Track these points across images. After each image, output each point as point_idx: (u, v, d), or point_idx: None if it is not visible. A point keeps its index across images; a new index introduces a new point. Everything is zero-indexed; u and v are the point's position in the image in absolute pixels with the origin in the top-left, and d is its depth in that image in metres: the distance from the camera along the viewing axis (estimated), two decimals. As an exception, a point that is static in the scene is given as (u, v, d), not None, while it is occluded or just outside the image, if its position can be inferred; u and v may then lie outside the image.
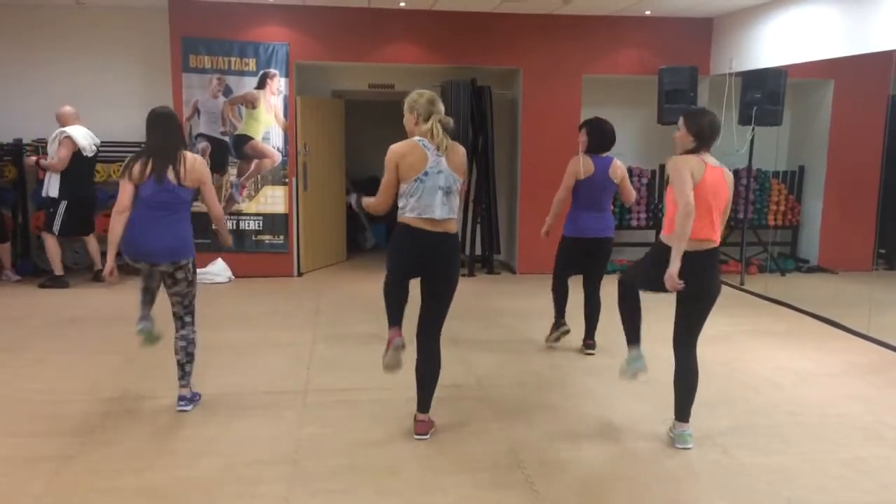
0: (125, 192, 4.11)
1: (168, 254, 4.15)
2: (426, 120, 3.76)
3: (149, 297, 4.35)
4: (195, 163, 4.19)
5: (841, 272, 8.87)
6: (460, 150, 3.85)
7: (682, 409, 3.97)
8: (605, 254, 5.49)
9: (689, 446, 3.91)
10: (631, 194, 5.43)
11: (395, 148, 3.78)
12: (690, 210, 3.68)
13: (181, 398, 4.33)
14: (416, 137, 3.79)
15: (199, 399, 4.43)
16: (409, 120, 3.85)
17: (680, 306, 3.96)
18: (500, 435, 4.09)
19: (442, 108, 3.83)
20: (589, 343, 5.54)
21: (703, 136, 3.92)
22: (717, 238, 3.88)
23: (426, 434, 3.99)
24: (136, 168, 4.11)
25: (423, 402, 4.01)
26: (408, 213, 3.77)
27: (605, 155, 5.35)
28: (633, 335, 4.20)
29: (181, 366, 4.33)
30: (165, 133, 4.21)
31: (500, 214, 9.10)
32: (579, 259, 5.46)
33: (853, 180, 8.91)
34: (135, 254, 4.17)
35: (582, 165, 5.28)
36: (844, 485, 3.56)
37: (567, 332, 5.59)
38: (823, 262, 9.12)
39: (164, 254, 4.14)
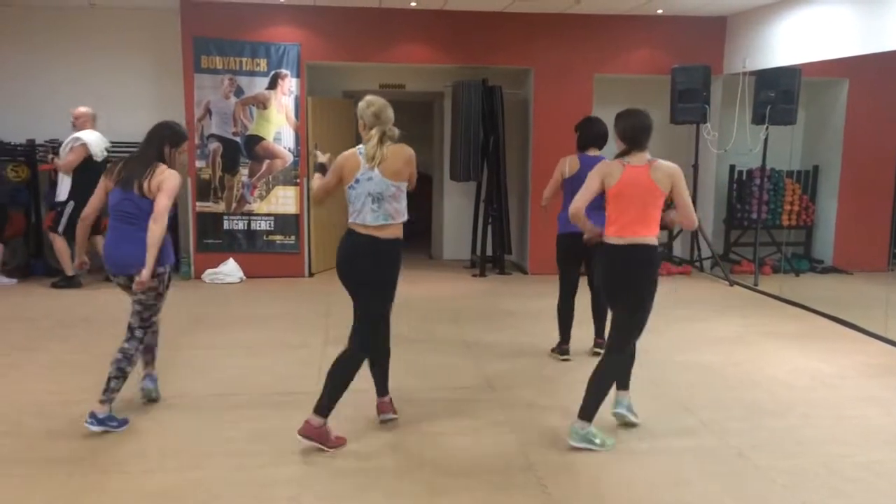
0: (98, 191, 4.14)
1: (123, 265, 4.04)
2: (370, 129, 3.83)
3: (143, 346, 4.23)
4: (163, 174, 4.00)
5: (856, 273, 8.80)
6: (402, 155, 3.84)
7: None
8: (585, 254, 5.45)
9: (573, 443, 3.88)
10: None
11: (343, 154, 3.92)
12: (574, 210, 4.03)
13: (91, 414, 3.93)
14: (360, 146, 3.87)
15: (116, 426, 3.99)
16: (359, 126, 3.92)
17: (611, 307, 4.07)
18: (512, 437, 4.06)
19: (389, 117, 3.85)
20: (599, 342, 5.44)
21: (627, 139, 3.96)
22: (643, 234, 3.88)
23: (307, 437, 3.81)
24: (114, 171, 4.10)
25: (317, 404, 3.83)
26: (349, 217, 3.91)
27: (596, 154, 5.27)
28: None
29: (108, 379, 3.97)
30: (147, 144, 4.13)
31: (511, 215, 9.08)
32: (574, 257, 5.40)
33: (868, 180, 8.83)
34: (105, 265, 4.15)
35: (568, 165, 5.30)
36: (861, 488, 3.51)
37: (567, 360, 5.43)
38: (838, 262, 9.05)
39: (119, 264, 4.06)
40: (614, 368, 3.99)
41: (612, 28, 8.53)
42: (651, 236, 3.89)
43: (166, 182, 4.00)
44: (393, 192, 3.81)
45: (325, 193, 4.03)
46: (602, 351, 5.35)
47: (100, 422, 3.95)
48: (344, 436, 3.92)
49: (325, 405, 3.81)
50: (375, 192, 3.80)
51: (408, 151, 3.88)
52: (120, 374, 4.01)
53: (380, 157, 3.80)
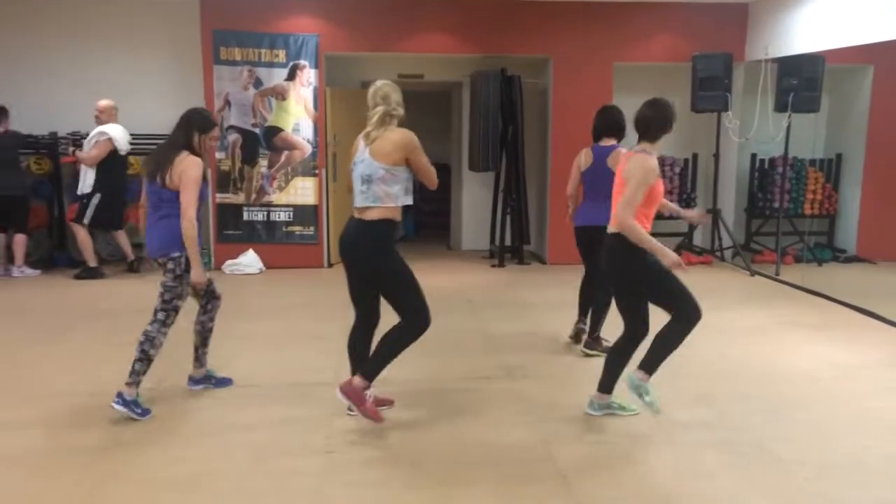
0: (143, 185, 4.26)
1: (151, 250, 4.22)
2: (373, 109, 3.86)
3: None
4: (182, 164, 4.04)
5: (879, 262, 8.70)
6: (391, 137, 3.78)
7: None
8: (598, 244, 5.39)
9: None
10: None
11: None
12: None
13: (119, 394, 4.05)
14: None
15: (140, 413, 4.05)
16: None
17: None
18: (531, 427, 4.05)
19: (396, 100, 3.85)
20: (581, 327, 5.48)
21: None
22: (607, 221, 4.03)
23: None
24: (147, 164, 4.24)
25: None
26: None
27: (611, 143, 5.20)
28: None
29: (133, 362, 4.07)
30: (176, 129, 4.19)
31: (529, 205, 9.05)
32: (582, 249, 5.38)
33: (893, 168, 8.72)
34: None
35: (583, 157, 5.27)
36: (885, 480, 3.47)
37: (582, 329, 5.45)
38: (862, 251, 8.94)
39: (150, 249, 4.24)
40: (674, 334, 3.94)
41: (632, 15, 8.45)
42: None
43: (185, 174, 4.03)
44: (381, 175, 3.76)
45: (346, 176, 4.10)
46: (580, 345, 5.44)
47: (125, 403, 4.03)
48: (382, 415, 3.93)
49: (370, 369, 3.88)
50: (365, 174, 3.79)
51: (401, 135, 3.80)
52: (143, 357, 4.07)
53: (374, 136, 3.79)
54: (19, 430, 3.99)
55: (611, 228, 4.00)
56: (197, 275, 4.09)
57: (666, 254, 3.82)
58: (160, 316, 4.14)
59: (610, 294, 5.18)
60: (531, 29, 8.43)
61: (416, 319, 3.89)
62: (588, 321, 5.40)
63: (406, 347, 3.93)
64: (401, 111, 3.86)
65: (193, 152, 4.13)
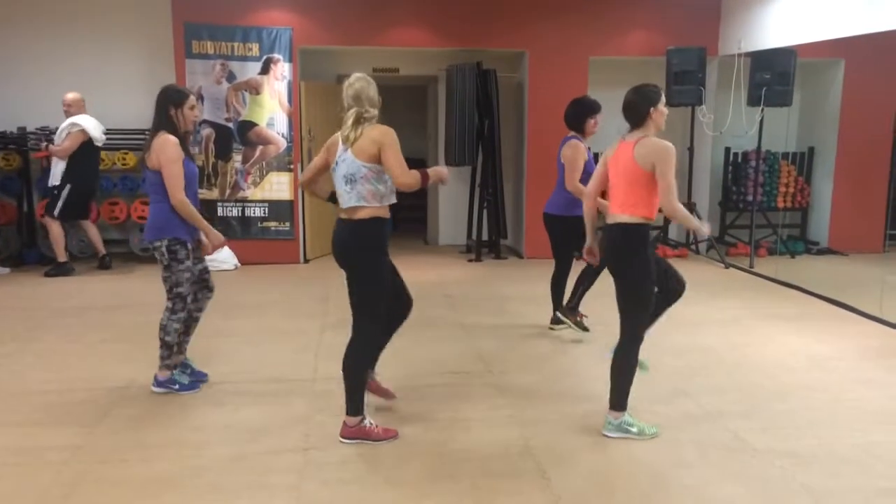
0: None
1: (145, 234, 4.28)
2: (347, 110, 3.75)
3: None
4: (157, 143, 4.07)
5: (851, 254, 8.82)
6: (371, 134, 3.68)
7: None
8: (548, 229, 5.60)
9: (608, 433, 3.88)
10: (567, 179, 5.28)
11: (332, 137, 3.87)
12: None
13: (154, 377, 4.40)
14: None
15: (178, 388, 4.36)
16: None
17: None
18: (511, 422, 4.06)
19: (370, 97, 3.73)
20: (553, 318, 5.72)
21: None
22: (619, 212, 3.87)
23: (349, 439, 3.79)
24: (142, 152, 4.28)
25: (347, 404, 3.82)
26: None
27: (570, 134, 5.43)
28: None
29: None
30: (155, 114, 4.19)
31: (506, 199, 9.05)
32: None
33: (864, 161, 8.85)
34: None
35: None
36: (860, 470, 3.52)
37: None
38: (834, 244, 9.07)
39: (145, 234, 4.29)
40: (625, 354, 3.86)
41: (607, 10, 8.48)
42: (627, 215, 3.79)
43: (162, 154, 4.06)
44: (365, 174, 3.68)
45: (309, 172, 4.01)
46: (552, 326, 5.64)
47: (159, 384, 4.35)
48: (394, 428, 3.87)
49: (350, 405, 3.78)
50: (349, 174, 3.72)
51: (379, 131, 3.69)
52: (162, 344, 4.30)
53: (353, 136, 3.70)
54: (-10, 430, 3.92)
55: (625, 218, 3.80)
56: (213, 237, 4.28)
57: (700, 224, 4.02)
58: (168, 304, 4.28)
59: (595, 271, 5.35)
60: (507, 23, 8.42)
61: (368, 331, 3.83)
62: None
63: (367, 364, 3.89)
64: (373, 112, 3.74)
65: (177, 131, 4.14)
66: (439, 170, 3.92)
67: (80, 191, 7.54)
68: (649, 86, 3.88)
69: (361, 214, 3.72)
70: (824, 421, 4.08)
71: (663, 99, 3.86)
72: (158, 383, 4.36)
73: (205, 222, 4.23)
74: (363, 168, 3.67)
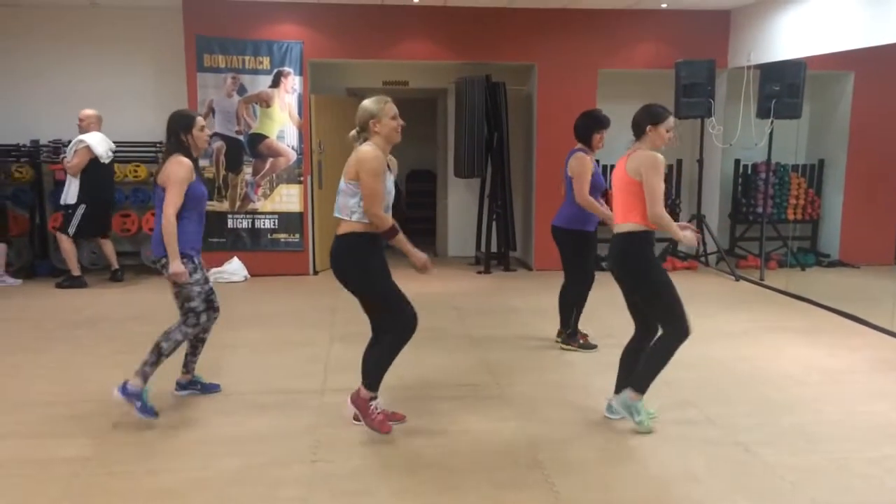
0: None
1: (152, 250, 4.28)
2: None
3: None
4: (170, 165, 4.12)
5: (863, 266, 8.76)
6: (353, 154, 3.83)
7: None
8: (557, 242, 5.55)
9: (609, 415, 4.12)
10: (576, 192, 5.27)
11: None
12: None
13: (123, 383, 4.11)
14: None
15: (139, 408, 4.06)
16: None
17: None
18: (519, 434, 4.04)
19: (359, 117, 3.89)
20: (559, 331, 5.70)
21: None
22: (620, 222, 4.05)
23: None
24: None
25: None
26: None
27: (577, 146, 5.40)
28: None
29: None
30: (167, 139, 4.26)
31: (515, 211, 9.06)
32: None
33: (874, 173, 8.80)
34: None
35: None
36: (872, 485, 3.49)
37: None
38: (844, 256, 9.01)
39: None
40: (666, 344, 3.96)
41: (616, 22, 8.50)
42: (628, 223, 3.97)
43: (171, 175, 4.10)
44: (343, 188, 3.84)
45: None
46: (558, 340, 5.65)
47: (125, 392, 4.07)
48: (390, 426, 3.98)
49: (369, 381, 3.96)
50: (339, 187, 3.90)
51: (364, 152, 3.79)
52: (154, 349, 4.14)
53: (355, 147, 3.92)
54: (0, 440, 3.93)
55: (627, 227, 3.97)
56: (173, 267, 4.11)
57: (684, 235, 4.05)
58: (180, 317, 4.26)
59: (585, 288, 5.41)
60: (516, 36, 8.45)
61: (399, 331, 3.91)
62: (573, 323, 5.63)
63: (398, 352, 3.95)
64: (350, 135, 3.93)
65: (189, 153, 4.20)
66: (419, 256, 3.95)
67: (94, 209, 7.58)
68: (657, 106, 4.05)
69: (341, 228, 3.88)
70: (835, 435, 4.05)
71: (669, 122, 4.01)
72: (125, 391, 4.06)
73: (174, 247, 4.08)
74: (343, 183, 3.86)
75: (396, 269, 4.03)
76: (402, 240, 3.86)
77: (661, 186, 3.88)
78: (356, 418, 4.04)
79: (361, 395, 3.96)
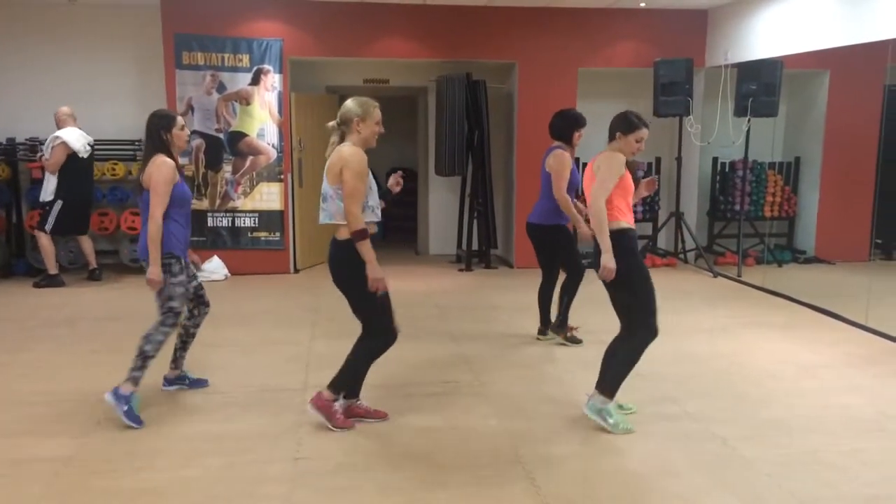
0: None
1: (139, 252, 4.26)
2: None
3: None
4: (152, 165, 4.10)
5: (838, 263, 8.89)
6: (335, 154, 3.82)
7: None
8: (534, 239, 5.59)
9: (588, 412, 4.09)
10: (554, 189, 5.32)
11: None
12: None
13: (115, 388, 4.10)
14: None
15: (125, 412, 4.02)
16: None
17: None
18: (500, 430, 4.08)
19: (343, 115, 3.87)
20: (540, 329, 5.77)
21: None
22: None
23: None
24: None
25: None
26: None
27: (554, 143, 5.47)
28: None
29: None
30: (147, 139, 4.24)
31: (496, 209, 9.09)
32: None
33: (849, 170, 8.91)
34: None
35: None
36: (847, 477, 3.55)
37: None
38: (820, 252, 9.13)
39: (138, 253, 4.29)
40: (632, 345, 4.03)
41: (596, 21, 8.55)
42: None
43: (153, 176, 4.08)
44: (331, 194, 3.83)
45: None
46: (540, 337, 5.72)
47: (116, 396, 4.07)
48: (352, 421, 4.05)
49: (335, 383, 4.01)
50: (323, 193, 3.88)
51: (346, 151, 3.78)
52: (139, 354, 4.11)
53: (328, 154, 3.90)
54: (-21, 441, 3.91)
55: (612, 225, 4.01)
56: (151, 273, 4.07)
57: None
58: (159, 317, 4.21)
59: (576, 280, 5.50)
60: (496, 34, 8.48)
61: (380, 340, 3.99)
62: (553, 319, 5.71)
63: (371, 362, 4.04)
64: (329, 124, 3.93)
65: (170, 153, 4.18)
66: (376, 272, 3.83)
67: (72, 206, 7.52)
68: (633, 115, 4.11)
69: (340, 234, 3.87)
70: (812, 428, 4.12)
71: (640, 133, 4.07)
72: (116, 395, 4.06)
73: (157, 253, 4.05)
74: (329, 188, 3.84)
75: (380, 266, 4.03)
76: (367, 246, 3.80)
77: (612, 181, 3.96)
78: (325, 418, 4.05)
79: (325, 397, 4.01)
